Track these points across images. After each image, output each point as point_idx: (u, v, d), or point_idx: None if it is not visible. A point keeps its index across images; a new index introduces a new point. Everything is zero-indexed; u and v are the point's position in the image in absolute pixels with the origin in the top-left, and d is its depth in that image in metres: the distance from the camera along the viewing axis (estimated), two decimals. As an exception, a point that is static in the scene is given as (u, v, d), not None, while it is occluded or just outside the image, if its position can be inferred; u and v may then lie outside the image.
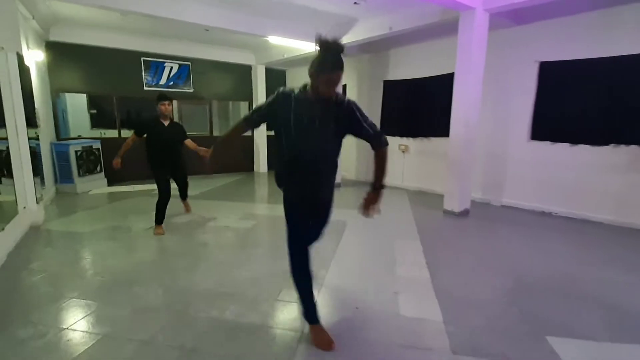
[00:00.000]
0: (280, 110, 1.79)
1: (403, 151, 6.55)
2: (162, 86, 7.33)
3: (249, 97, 8.57)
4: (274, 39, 5.76)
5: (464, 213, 4.69)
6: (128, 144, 3.83)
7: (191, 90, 7.72)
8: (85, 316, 2.17)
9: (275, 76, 8.79)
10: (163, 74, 7.34)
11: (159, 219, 3.85)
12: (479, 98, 4.53)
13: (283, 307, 2.31)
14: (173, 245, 3.53)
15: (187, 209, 4.66)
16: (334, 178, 1.97)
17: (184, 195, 4.60)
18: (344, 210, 4.92)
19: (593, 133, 4.37)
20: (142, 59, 7.02)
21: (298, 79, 8.81)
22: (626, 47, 4.03)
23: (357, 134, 1.81)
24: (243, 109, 9.60)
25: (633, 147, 4.09)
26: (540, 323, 2.14)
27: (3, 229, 3.16)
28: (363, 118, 1.78)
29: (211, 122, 8.24)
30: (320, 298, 2.41)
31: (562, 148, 4.65)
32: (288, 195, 1.92)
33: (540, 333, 2.03)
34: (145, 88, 7.15)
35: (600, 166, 4.35)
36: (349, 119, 1.77)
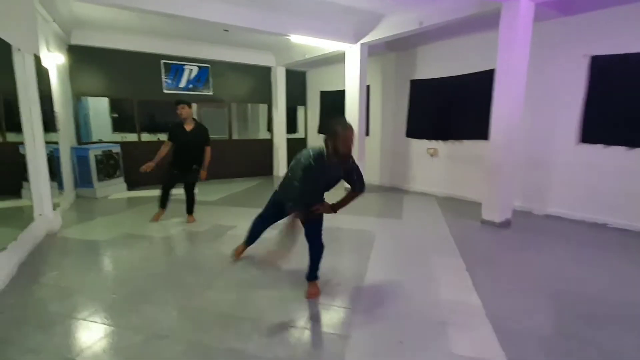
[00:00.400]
0: (315, 171, 2.21)
1: (432, 155, 6.14)
2: (181, 89, 7.22)
3: (268, 99, 8.36)
4: (296, 38, 5.50)
5: (505, 224, 4.26)
6: (163, 151, 4.01)
7: (210, 93, 7.57)
8: (93, 344, 1.93)
9: (295, 78, 8.55)
10: (182, 77, 7.23)
11: (161, 202, 4.26)
12: (522, 97, 4.10)
13: (315, 339, 2.00)
14: (189, 257, 3.29)
15: (190, 221, 4.41)
16: None
17: (189, 209, 4.37)
18: (371, 218, 4.61)
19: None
20: (161, 61, 6.93)
21: (317, 81, 8.56)
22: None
23: (350, 181, 2.41)
24: (262, 112, 9.41)
25: None
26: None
27: (16, 239, 3.00)
28: (359, 173, 2.40)
29: (230, 126, 8.07)
30: (357, 331, 2.08)
31: (617, 151, 4.15)
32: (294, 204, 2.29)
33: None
34: (165, 91, 7.05)
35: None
36: (353, 173, 2.37)
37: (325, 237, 2.55)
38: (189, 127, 4.01)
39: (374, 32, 5.58)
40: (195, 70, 7.34)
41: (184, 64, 7.18)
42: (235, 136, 8.22)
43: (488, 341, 1.96)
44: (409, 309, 2.33)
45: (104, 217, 4.68)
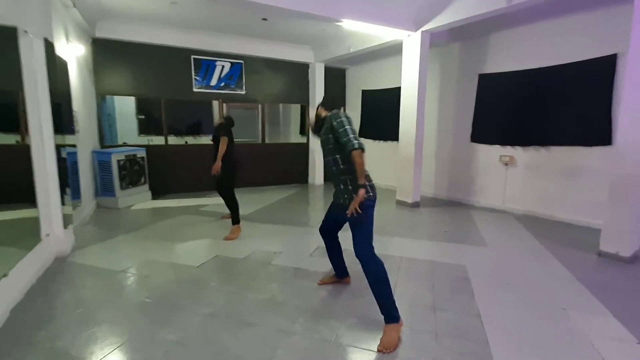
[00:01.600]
0: None
1: (506, 164, 5.11)
2: (212, 87, 6.54)
3: (305, 99, 7.57)
4: (348, 24, 4.65)
5: (633, 258, 3.21)
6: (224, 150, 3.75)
7: (243, 92, 6.86)
8: None
9: (334, 76, 7.72)
10: (214, 74, 6.55)
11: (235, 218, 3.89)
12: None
13: None
14: (224, 298, 2.47)
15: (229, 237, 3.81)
16: None
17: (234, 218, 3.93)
18: (445, 245, 3.62)
19: None
20: (192, 57, 6.27)
21: (359, 79, 7.70)
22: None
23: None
24: (294, 113, 8.63)
25: None
26: None
27: (6, 275, 2.28)
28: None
29: (264, 128, 7.33)
30: None
31: None
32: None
33: None
34: (194, 90, 6.39)
35: None
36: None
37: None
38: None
39: (439, 16, 4.65)
40: (227, 66, 6.65)
41: (215, 60, 6.50)
42: (267, 140, 7.47)
43: None
44: None
45: (126, 234, 3.98)
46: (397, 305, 2.06)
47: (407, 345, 1.95)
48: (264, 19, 5.33)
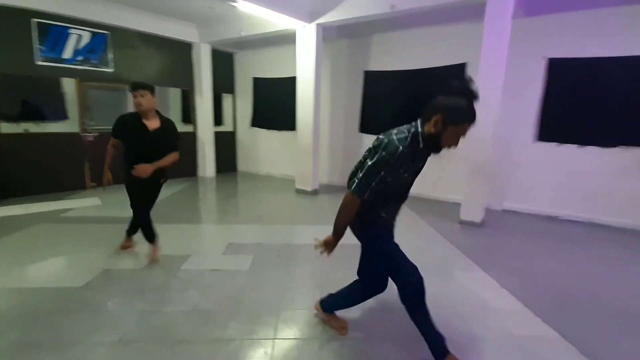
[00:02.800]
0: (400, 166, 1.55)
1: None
2: (65, 61, 5.22)
3: (188, 83, 6.84)
4: (244, 6, 4.38)
5: (482, 223, 4.19)
6: (110, 152, 2.76)
7: (110, 71, 5.72)
8: None
9: (220, 59, 7.22)
10: (66, 45, 5.22)
11: (148, 235, 2.91)
12: (500, 93, 4.00)
13: None
14: (133, 318, 2.09)
15: (154, 255, 2.96)
16: None
17: (149, 235, 2.94)
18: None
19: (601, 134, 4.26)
20: (33, 20, 4.84)
21: (248, 65, 7.41)
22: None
23: None
24: (174, 98, 7.70)
25: (642, 149, 4.07)
26: None
27: None
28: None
29: (140, 114, 6.29)
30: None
31: (569, 150, 4.49)
32: (385, 223, 1.76)
33: None
34: (37, 62, 4.97)
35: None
36: None
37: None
38: (151, 123, 2.63)
39: (333, 12, 4.89)
40: (86, 36, 5.40)
41: (68, 27, 5.19)
42: (146, 128, 6.47)
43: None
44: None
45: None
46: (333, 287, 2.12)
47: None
48: (140, -15, 4.54)
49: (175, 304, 2.28)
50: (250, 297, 2.38)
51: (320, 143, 6.07)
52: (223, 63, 7.39)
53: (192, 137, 7.01)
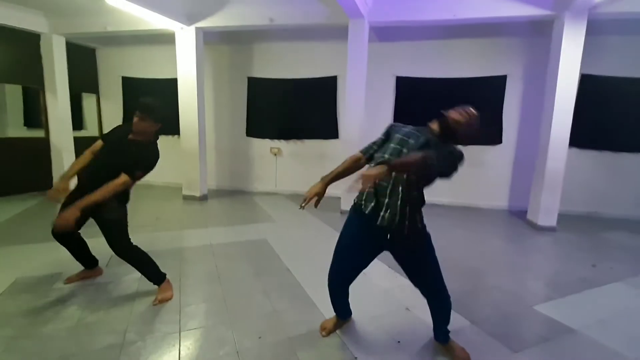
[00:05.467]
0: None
1: (275, 154, 6.20)
2: None
3: (37, 80, 5.74)
4: (114, 2, 4.04)
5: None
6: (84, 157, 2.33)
7: None
8: None
9: (78, 54, 6.30)
10: None
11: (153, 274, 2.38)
12: (363, 101, 4.80)
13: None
14: (1, 346, 1.83)
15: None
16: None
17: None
18: (254, 225, 4.05)
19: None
20: None
21: (116, 63, 6.72)
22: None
23: None
24: (12, 97, 6.35)
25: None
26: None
27: None
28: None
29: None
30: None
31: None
32: None
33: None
34: None
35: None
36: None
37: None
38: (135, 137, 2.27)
39: (213, 17, 4.97)
40: None
41: None
42: (-27, 133, 5.15)
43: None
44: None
45: None
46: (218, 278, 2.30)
47: (246, 306, 2.27)
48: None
49: (57, 322, 2.05)
50: (147, 301, 2.33)
51: (206, 147, 5.99)
52: (83, 59, 6.47)
53: (43, 144, 5.89)
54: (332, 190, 5.91)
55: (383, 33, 5.33)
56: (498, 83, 5.27)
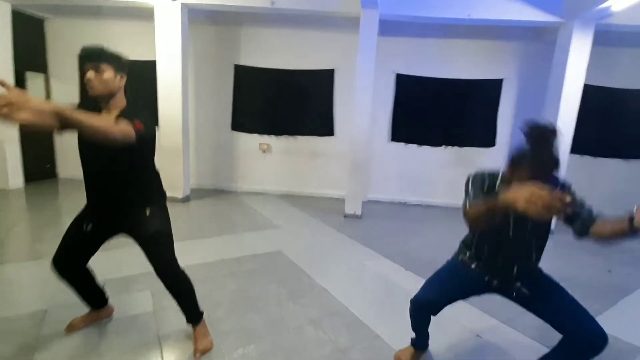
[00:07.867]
0: None
1: (264, 150, 5.72)
2: None
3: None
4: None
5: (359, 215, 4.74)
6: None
7: None
8: None
9: (23, 26, 5.20)
10: None
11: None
12: (370, 99, 4.55)
13: None
14: None
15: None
16: None
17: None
18: (260, 232, 3.64)
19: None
20: None
21: (72, 38, 5.65)
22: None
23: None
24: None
25: (456, 148, 5.52)
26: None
27: None
28: None
29: None
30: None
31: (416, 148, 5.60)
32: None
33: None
34: None
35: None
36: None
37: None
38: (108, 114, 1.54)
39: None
40: None
41: None
42: None
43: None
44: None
45: None
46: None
47: (281, 332, 1.93)
48: None
49: None
50: (178, 349, 1.88)
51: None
52: (28, 31, 5.35)
53: (-21, 133, 4.80)
54: (335, 191, 5.64)
55: (383, 27, 5.07)
56: (494, 86, 5.33)
